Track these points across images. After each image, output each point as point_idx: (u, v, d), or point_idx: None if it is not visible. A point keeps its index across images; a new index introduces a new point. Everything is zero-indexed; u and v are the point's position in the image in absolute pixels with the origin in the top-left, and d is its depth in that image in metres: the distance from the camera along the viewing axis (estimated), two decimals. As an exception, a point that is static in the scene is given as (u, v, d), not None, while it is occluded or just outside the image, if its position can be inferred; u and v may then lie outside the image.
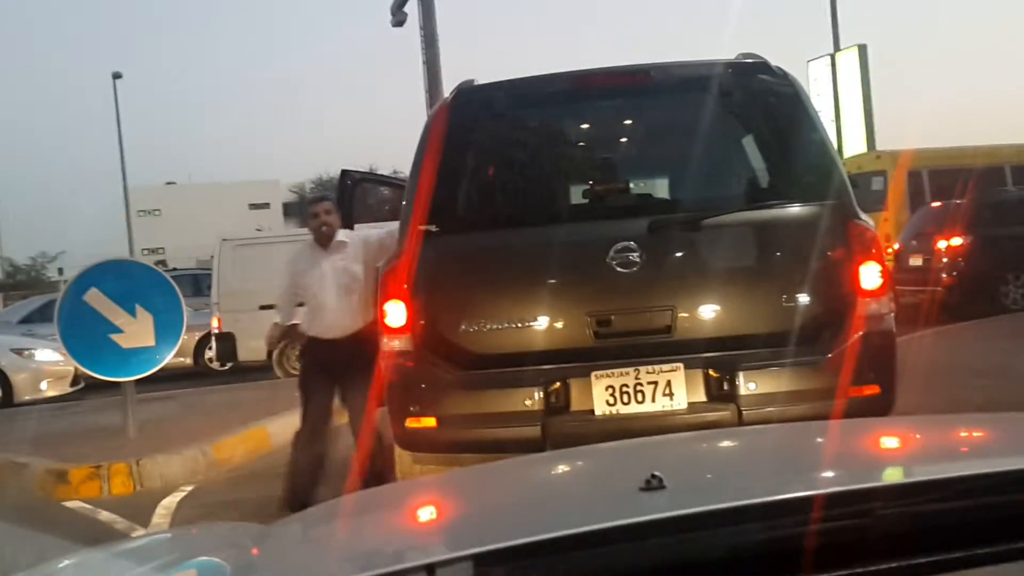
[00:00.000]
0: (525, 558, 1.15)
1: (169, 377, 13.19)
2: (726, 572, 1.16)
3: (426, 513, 1.80)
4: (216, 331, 13.52)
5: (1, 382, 12.18)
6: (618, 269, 4.16)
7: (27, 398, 12.10)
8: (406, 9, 18.18)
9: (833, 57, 21.07)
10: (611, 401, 4.09)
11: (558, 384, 4.12)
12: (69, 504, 6.80)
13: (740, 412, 4.02)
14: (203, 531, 2.51)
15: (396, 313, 4.30)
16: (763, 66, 4.53)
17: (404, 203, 4.53)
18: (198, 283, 18.91)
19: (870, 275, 4.16)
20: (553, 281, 4.31)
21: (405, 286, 4.29)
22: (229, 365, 13.82)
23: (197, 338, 14.94)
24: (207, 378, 14.17)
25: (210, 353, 14.95)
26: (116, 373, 8.25)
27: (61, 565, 1.85)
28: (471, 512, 1.72)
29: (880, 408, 4.04)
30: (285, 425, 8.74)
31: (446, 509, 1.80)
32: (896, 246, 15.53)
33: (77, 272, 8.48)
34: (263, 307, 13.23)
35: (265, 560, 1.58)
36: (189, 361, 15.20)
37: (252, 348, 13.32)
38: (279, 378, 13.17)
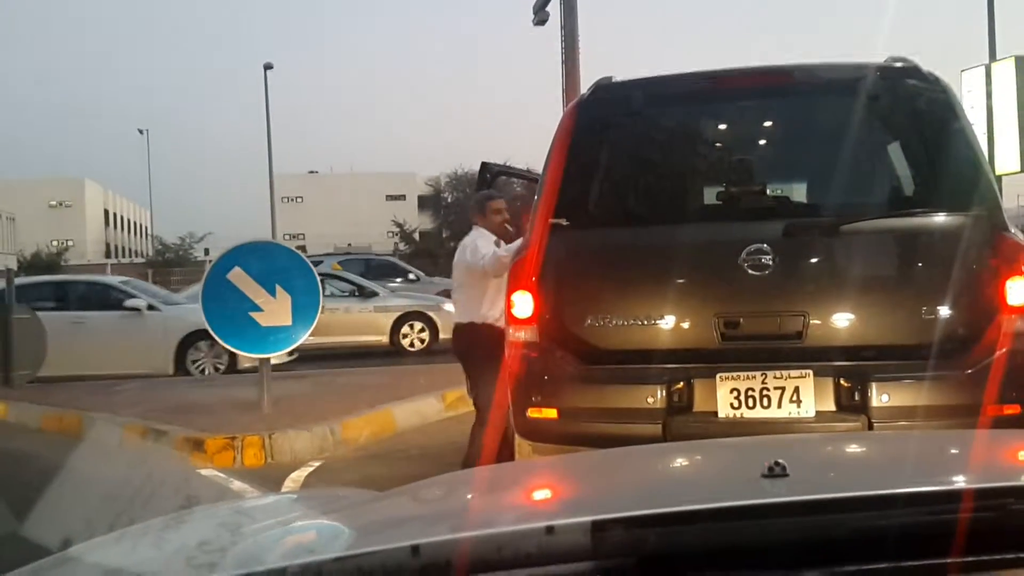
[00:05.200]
0: (639, 527, 1.17)
1: (365, 354, 14.67)
2: (846, 556, 1.15)
3: (548, 485, 1.84)
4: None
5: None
6: (749, 271, 4.08)
7: (247, 365, 12.40)
8: (548, 8, 18.32)
9: (988, 68, 19.99)
10: (735, 404, 4.02)
11: (681, 384, 4.08)
12: (204, 471, 7.14)
13: (871, 424, 3.90)
14: (327, 494, 2.61)
15: (523, 304, 4.34)
16: (913, 70, 4.35)
17: (536, 196, 4.57)
18: (369, 266, 20.47)
19: (1018, 290, 3.98)
20: (682, 280, 4.27)
21: (533, 278, 4.32)
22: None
23: (394, 318, 15.57)
24: (402, 358, 15.01)
25: (407, 332, 15.84)
26: (254, 349, 8.63)
27: (191, 512, 1.96)
28: (592, 486, 1.75)
29: (1020, 428, 3.87)
30: (409, 411, 8.97)
31: (568, 483, 1.83)
32: None
33: (222, 252, 8.90)
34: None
35: (387, 520, 1.64)
36: (385, 340, 15.78)
37: None
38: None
